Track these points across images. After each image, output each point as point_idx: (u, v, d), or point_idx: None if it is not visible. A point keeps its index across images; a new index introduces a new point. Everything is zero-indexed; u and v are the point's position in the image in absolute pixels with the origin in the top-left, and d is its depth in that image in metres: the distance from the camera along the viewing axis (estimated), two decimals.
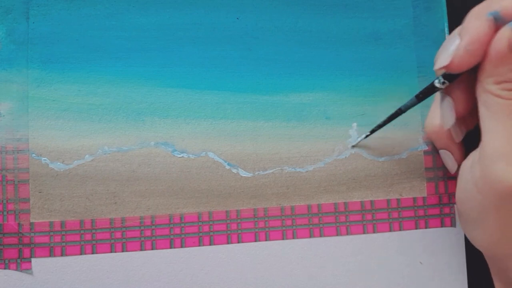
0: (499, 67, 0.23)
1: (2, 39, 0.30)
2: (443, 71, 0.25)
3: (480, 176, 0.24)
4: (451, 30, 0.33)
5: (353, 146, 0.32)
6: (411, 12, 0.33)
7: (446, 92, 0.26)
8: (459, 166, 0.29)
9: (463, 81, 0.25)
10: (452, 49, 0.24)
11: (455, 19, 0.33)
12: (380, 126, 0.31)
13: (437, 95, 0.29)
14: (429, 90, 0.27)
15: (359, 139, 0.32)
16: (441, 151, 0.30)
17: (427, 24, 0.33)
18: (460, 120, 0.27)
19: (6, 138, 0.30)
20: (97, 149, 0.30)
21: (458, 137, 0.28)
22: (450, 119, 0.26)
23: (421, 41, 0.33)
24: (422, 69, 0.33)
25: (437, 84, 0.26)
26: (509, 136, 0.23)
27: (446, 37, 0.33)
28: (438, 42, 0.33)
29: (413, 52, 0.33)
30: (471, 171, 0.25)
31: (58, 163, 0.30)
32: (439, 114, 0.28)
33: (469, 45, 0.23)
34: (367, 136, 0.32)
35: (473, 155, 0.26)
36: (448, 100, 0.26)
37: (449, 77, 0.26)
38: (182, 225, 0.31)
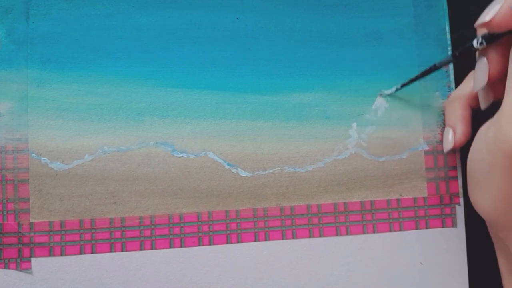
0: None
1: (2, 39, 0.30)
2: (483, 29, 0.25)
3: (492, 136, 0.24)
4: (452, 29, 0.33)
5: (384, 96, 0.32)
6: (412, 11, 0.33)
7: (482, 54, 0.26)
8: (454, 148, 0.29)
9: (502, 45, 0.25)
10: (497, 7, 0.23)
11: (456, 18, 0.33)
12: (412, 81, 0.31)
13: (472, 72, 0.28)
14: (467, 50, 0.27)
15: (388, 91, 0.32)
16: (446, 128, 0.30)
17: (428, 23, 0.33)
18: (491, 86, 0.27)
19: (6, 137, 0.30)
20: (96, 149, 0.31)
21: (484, 104, 0.28)
22: (482, 81, 0.26)
23: (422, 40, 0.33)
24: (423, 69, 0.33)
25: (475, 44, 0.26)
26: None
27: (450, 42, 0.33)
28: (439, 41, 0.33)
29: (414, 51, 0.33)
30: (485, 132, 0.25)
31: (58, 162, 0.30)
32: (466, 88, 0.28)
33: None
34: (397, 89, 0.32)
35: (492, 119, 0.26)
36: (483, 61, 0.26)
37: (488, 38, 0.25)
38: (182, 225, 0.31)
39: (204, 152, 0.31)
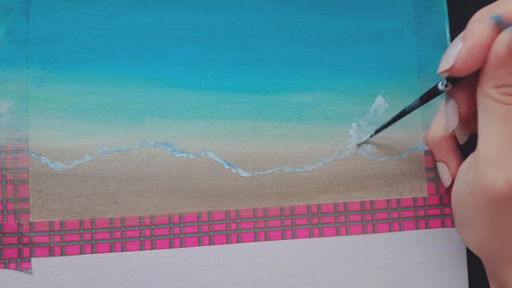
0: (498, 71, 0.23)
1: (2, 39, 0.30)
2: (446, 74, 0.25)
3: (473, 180, 0.24)
4: (452, 29, 0.33)
5: (358, 145, 0.32)
6: (412, 11, 0.33)
7: (450, 95, 0.26)
8: (453, 181, 0.29)
9: (467, 84, 0.25)
10: (455, 53, 0.24)
11: (456, 18, 0.33)
12: (384, 127, 0.31)
13: (441, 105, 0.29)
14: (433, 93, 0.27)
15: (364, 138, 0.32)
16: (438, 164, 0.30)
17: (428, 23, 0.33)
18: (464, 123, 0.27)
19: (5, 137, 0.30)
20: (96, 149, 0.31)
21: (462, 139, 0.28)
22: (453, 121, 0.26)
23: (422, 41, 0.33)
24: (422, 69, 0.33)
25: (440, 87, 0.26)
26: (502, 142, 0.23)
27: (450, 42, 0.33)
28: (439, 41, 0.33)
29: (414, 51, 0.33)
30: (466, 173, 0.26)
31: (58, 162, 0.30)
32: (441, 125, 0.28)
33: (471, 49, 0.23)
34: (371, 136, 0.32)
35: (471, 158, 0.26)
36: (451, 102, 0.26)
37: (453, 80, 0.26)
38: (182, 225, 0.31)
39: (204, 152, 0.31)
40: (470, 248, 0.27)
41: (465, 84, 0.26)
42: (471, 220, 0.26)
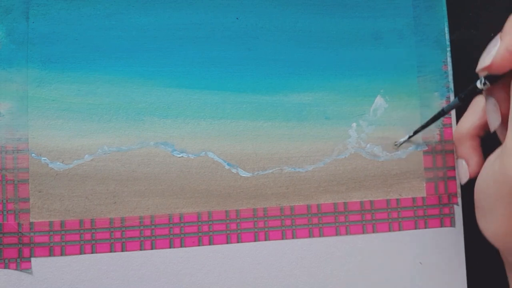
0: None
1: (2, 39, 0.30)
2: (485, 72, 0.25)
3: (498, 169, 0.25)
4: (451, 29, 0.33)
5: (396, 145, 0.32)
6: (412, 12, 0.33)
7: (489, 93, 0.26)
8: (470, 179, 0.29)
9: (506, 82, 0.26)
10: (494, 51, 0.24)
11: (456, 19, 0.33)
12: (423, 127, 0.31)
13: (473, 103, 0.29)
14: (471, 91, 0.27)
15: (401, 140, 0.32)
16: (459, 160, 0.30)
17: (428, 24, 0.33)
18: (505, 121, 0.27)
19: (6, 137, 0.30)
20: (96, 148, 0.30)
21: (503, 137, 0.28)
22: (496, 120, 0.26)
23: (422, 41, 0.33)
24: (422, 69, 0.33)
25: (479, 85, 0.26)
26: None
27: (449, 43, 0.33)
28: (439, 41, 0.33)
29: (414, 51, 0.33)
30: (493, 163, 0.26)
31: (58, 162, 0.30)
32: (469, 121, 0.29)
33: (510, 46, 0.23)
34: (410, 137, 0.32)
35: (499, 149, 0.26)
36: (492, 101, 0.26)
37: (491, 78, 0.26)
38: (182, 225, 0.31)
39: (204, 152, 0.31)
40: (488, 238, 0.27)
41: (504, 82, 0.26)
42: (493, 209, 0.26)
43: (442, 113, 0.30)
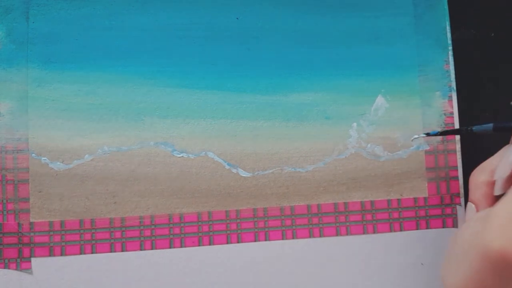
0: None
1: (2, 39, 0.30)
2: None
3: (480, 230, 0.24)
4: (452, 28, 0.33)
5: (412, 140, 0.32)
6: (412, 11, 0.33)
7: None
8: None
9: None
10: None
11: (457, 18, 0.33)
12: (443, 133, 0.31)
13: (504, 149, 0.28)
14: (507, 128, 0.27)
15: (417, 136, 0.32)
16: (469, 204, 0.30)
17: (429, 23, 0.33)
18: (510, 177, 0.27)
19: (6, 137, 0.30)
20: (96, 148, 0.31)
21: (497, 191, 0.28)
22: (505, 170, 0.26)
23: (423, 40, 0.33)
24: (423, 68, 0.33)
25: None
26: None
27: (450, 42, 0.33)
28: (440, 40, 0.33)
29: (414, 51, 0.33)
30: (477, 221, 0.25)
31: (58, 162, 0.30)
32: (489, 169, 0.28)
33: None
34: (427, 134, 0.32)
35: (485, 212, 0.26)
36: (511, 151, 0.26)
37: None
38: (182, 225, 0.31)
39: (204, 152, 0.31)
40: (445, 286, 0.27)
41: None
42: (460, 262, 0.26)
43: (470, 130, 0.29)
